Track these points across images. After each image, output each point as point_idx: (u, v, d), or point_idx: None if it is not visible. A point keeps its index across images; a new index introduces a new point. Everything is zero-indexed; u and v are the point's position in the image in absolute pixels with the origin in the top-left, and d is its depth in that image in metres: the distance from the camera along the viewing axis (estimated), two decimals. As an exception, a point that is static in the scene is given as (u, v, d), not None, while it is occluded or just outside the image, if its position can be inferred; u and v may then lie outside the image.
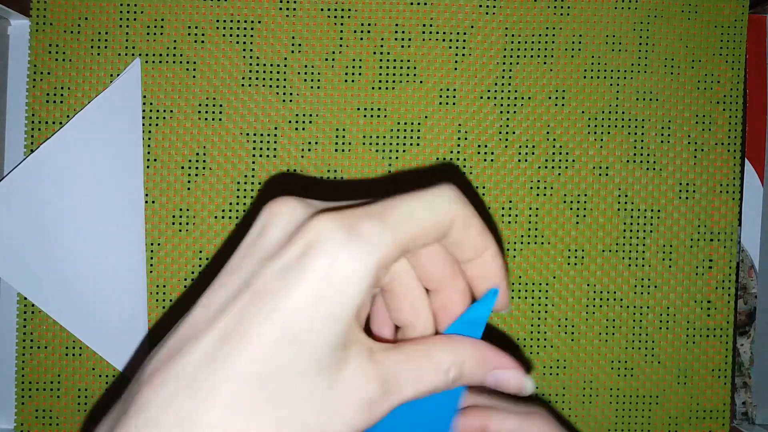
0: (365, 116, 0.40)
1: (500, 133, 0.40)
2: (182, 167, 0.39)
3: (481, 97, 0.40)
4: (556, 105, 0.40)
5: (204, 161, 0.39)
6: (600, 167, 0.40)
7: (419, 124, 0.40)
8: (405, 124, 0.40)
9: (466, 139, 0.40)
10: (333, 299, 0.17)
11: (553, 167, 0.40)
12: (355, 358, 0.18)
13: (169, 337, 0.18)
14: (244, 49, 0.39)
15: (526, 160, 0.40)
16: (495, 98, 0.40)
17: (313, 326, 0.17)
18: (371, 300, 0.22)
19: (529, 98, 0.40)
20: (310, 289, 0.17)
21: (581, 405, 0.40)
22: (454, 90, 0.40)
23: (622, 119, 0.40)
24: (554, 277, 0.40)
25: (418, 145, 0.40)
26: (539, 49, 0.40)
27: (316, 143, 0.40)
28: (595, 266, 0.40)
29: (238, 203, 0.39)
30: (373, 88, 0.40)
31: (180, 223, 0.39)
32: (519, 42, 0.40)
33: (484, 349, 0.21)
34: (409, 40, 0.40)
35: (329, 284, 0.17)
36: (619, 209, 0.40)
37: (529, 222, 0.40)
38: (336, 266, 0.17)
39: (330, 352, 0.17)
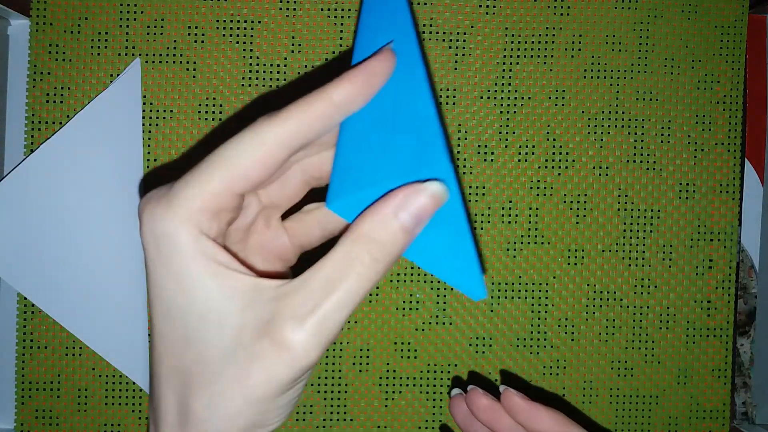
0: (365, 116, 0.40)
1: (500, 133, 0.40)
2: (182, 167, 0.39)
3: (481, 97, 0.40)
4: (556, 105, 0.40)
5: (204, 161, 0.39)
6: (600, 167, 0.40)
7: (419, 124, 0.40)
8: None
9: (466, 139, 0.40)
10: (170, 264, 0.19)
11: (553, 167, 0.40)
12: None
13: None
14: (244, 49, 0.39)
15: (526, 160, 0.40)
16: (495, 98, 0.40)
17: (177, 301, 0.19)
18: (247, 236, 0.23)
19: (529, 98, 0.40)
20: (150, 267, 0.20)
21: (581, 405, 0.40)
22: (454, 90, 0.40)
23: (622, 119, 0.40)
24: (554, 277, 0.40)
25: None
26: (539, 49, 0.40)
27: (316, 143, 0.40)
28: (595, 266, 0.40)
29: (238, 203, 0.39)
30: (373, 88, 0.40)
31: (180, 223, 0.39)
32: (519, 42, 0.40)
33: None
34: (409, 40, 0.40)
35: (159, 253, 0.19)
36: (619, 209, 0.40)
37: (529, 222, 0.40)
38: (150, 234, 0.20)
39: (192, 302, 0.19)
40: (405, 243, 0.20)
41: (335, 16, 0.40)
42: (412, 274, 0.40)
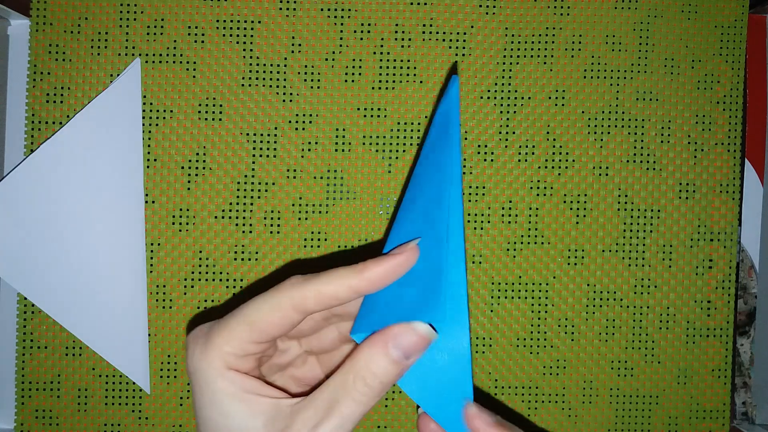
0: (365, 116, 0.40)
1: (500, 133, 0.40)
2: (182, 167, 0.39)
3: (481, 98, 0.40)
4: (556, 105, 0.40)
5: (204, 161, 0.39)
6: (600, 167, 0.40)
7: (419, 124, 0.40)
8: (405, 124, 0.40)
9: (466, 139, 0.40)
10: (205, 393, 0.24)
11: (553, 167, 0.40)
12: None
13: None
14: (244, 49, 0.39)
15: (526, 160, 0.40)
16: (495, 98, 0.40)
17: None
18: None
19: (529, 98, 0.40)
20: (193, 393, 0.25)
21: (581, 405, 0.40)
22: (454, 90, 0.40)
23: (622, 119, 0.40)
24: (554, 277, 0.40)
25: (418, 145, 0.40)
26: (539, 49, 0.40)
27: (316, 143, 0.40)
28: (595, 266, 0.40)
29: (238, 203, 0.39)
30: (373, 88, 0.40)
31: (180, 223, 0.39)
32: (519, 42, 0.40)
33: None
34: (409, 40, 0.40)
35: (197, 384, 0.25)
36: (619, 209, 0.40)
37: (529, 222, 0.40)
38: (192, 369, 0.25)
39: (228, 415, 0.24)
40: (395, 373, 0.24)
41: (335, 16, 0.40)
42: (412, 274, 0.40)
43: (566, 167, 0.40)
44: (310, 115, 0.40)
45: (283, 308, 0.24)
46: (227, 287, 0.40)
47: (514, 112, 0.40)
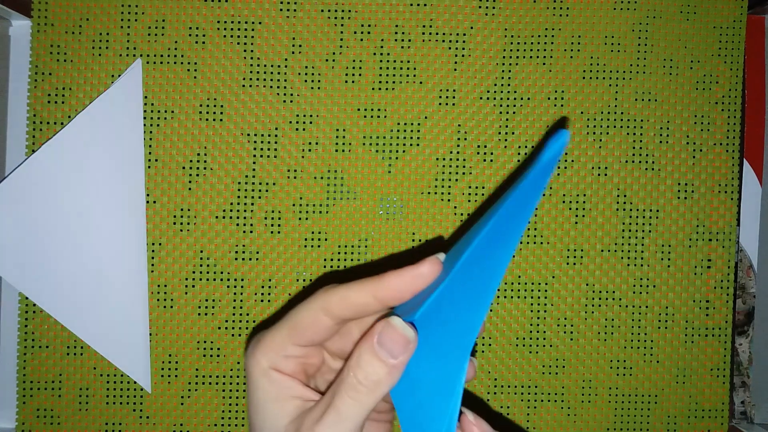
0: (365, 116, 0.40)
1: (500, 133, 0.40)
2: (183, 167, 0.39)
3: (481, 98, 0.40)
4: (555, 105, 0.40)
5: (205, 161, 0.39)
6: (599, 167, 0.40)
7: (419, 124, 0.40)
8: (405, 124, 0.40)
9: (466, 139, 0.40)
10: (249, 388, 0.27)
11: (552, 167, 0.40)
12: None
13: None
14: (244, 50, 0.39)
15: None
16: (495, 98, 0.40)
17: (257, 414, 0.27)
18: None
19: (529, 99, 0.40)
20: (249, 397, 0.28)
21: (580, 404, 0.40)
22: (454, 90, 0.40)
23: (622, 120, 0.40)
24: (554, 277, 0.40)
25: (418, 145, 0.40)
26: (539, 49, 0.40)
27: (317, 143, 0.40)
28: (594, 266, 0.40)
29: (239, 203, 0.40)
30: (373, 88, 0.40)
31: (181, 223, 0.39)
32: (519, 42, 0.40)
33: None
34: (409, 40, 0.40)
35: (248, 381, 0.27)
36: (618, 209, 0.40)
37: (529, 222, 0.40)
38: (245, 368, 0.28)
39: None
40: (384, 370, 0.25)
41: (335, 17, 0.40)
42: (412, 274, 0.40)
43: (565, 167, 0.40)
44: (311, 115, 0.40)
45: (314, 311, 0.26)
46: (228, 287, 0.40)
47: (513, 112, 0.40)
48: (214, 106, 0.39)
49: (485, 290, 0.24)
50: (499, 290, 0.40)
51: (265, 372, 0.27)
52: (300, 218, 0.40)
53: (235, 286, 0.40)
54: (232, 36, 0.39)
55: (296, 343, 0.27)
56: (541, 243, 0.40)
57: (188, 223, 0.39)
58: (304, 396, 0.27)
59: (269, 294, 0.40)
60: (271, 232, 0.40)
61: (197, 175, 0.40)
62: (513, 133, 0.40)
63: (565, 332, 0.40)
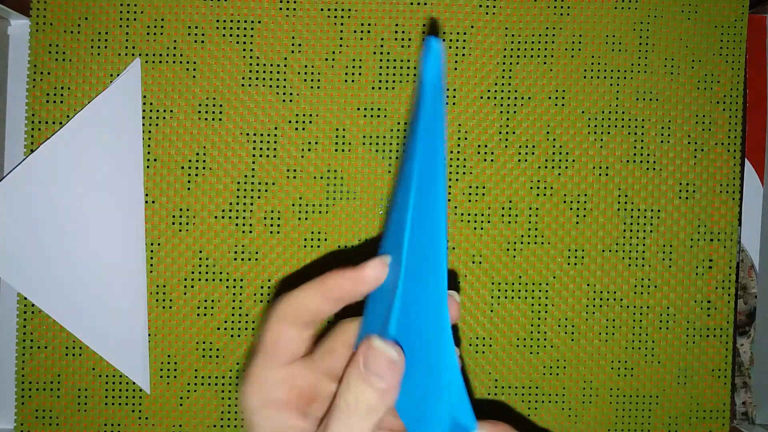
0: (365, 116, 0.40)
1: (500, 133, 0.40)
2: (182, 167, 0.39)
3: (481, 97, 0.40)
4: (556, 105, 0.40)
5: (204, 161, 0.39)
6: (600, 167, 0.40)
7: (419, 124, 0.40)
8: (405, 124, 0.40)
9: (466, 139, 0.40)
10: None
11: (553, 167, 0.40)
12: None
13: None
14: (244, 49, 0.39)
15: (526, 160, 0.40)
16: (495, 98, 0.40)
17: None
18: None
19: (529, 98, 0.40)
20: None
21: (581, 405, 0.40)
22: (454, 90, 0.40)
23: (622, 119, 0.40)
24: (554, 277, 0.40)
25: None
26: (539, 49, 0.40)
27: (316, 143, 0.40)
28: (595, 266, 0.40)
29: (238, 203, 0.39)
30: (373, 88, 0.40)
31: (180, 223, 0.39)
32: (519, 42, 0.40)
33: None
34: (409, 40, 0.40)
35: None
36: (619, 209, 0.40)
37: (529, 222, 0.40)
38: (241, 407, 0.27)
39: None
40: (374, 396, 0.24)
41: (335, 16, 0.40)
42: (412, 274, 0.40)
43: (566, 167, 0.40)
44: (310, 115, 0.40)
45: (273, 324, 0.26)
46: (227, 287, 0.40)
47: (514, 112, 0.40)
48: (214, 105, 0.39)
49: (437, 256, 0.23)
50: (499, 290, 0.40)
51: (257, 411, 0.26)
52: (300, 218, 0.40)
53: (234, 287, 0.40)
54: (231, 35, 0.39)
55: (274, 365, 0.26)
56: (542, 243, 0.40)
57: (187, 223, 0.39)
58: (299, 427, 0.26)
59: (268, 294, 0.40)
60: (271, 232, 0.40)
61: (196, 174, 0.39)
62: (513, 133, 0.40)
63: (565, 332, 0.40)
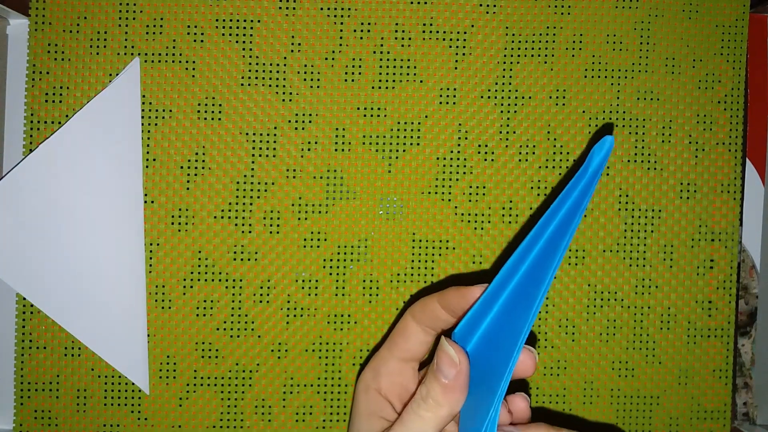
0: (365, 116, 0.40)
1: (500, 133, 0.40)
2: (181, 167, 0.39)
3: (481, 97, 0.40)
4: (556, 105, 0.40)
5: (203, 161, 0.39)
6: (600, 167, 0.40)
7: (419, 124, 0.40)
8: (405, 124, 0.40)
9: (466, 139, 0.40)
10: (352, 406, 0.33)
11: (553, 167, 0.40)
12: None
13: None
14: (243, 49, 0.39)
15: (526, 160, 0.40)
16: (495, 98, 0.40)
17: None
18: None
19: (530, 98, 0.40)
20: None
21: (582, 405, 0.40)
22: (454, 90, 0.40)
23: (623, 119, 0.40)
24: (555, 278, 0.40)
25: (418, 145, 0.40)
26: (539, 48, 0.40)
27: (316, 143, 0.40)
28: (595, 266, 0.40)
29: (237, 203, 0.39)
30: (373, 87, 0.40)
31: (179, 223, 0.39)
32: (519, 42, 0.40)
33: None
34: (409, 39, 0.40)
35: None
36: (619, 209, 0.40)
37: (529, 222, 0.40)
38: (356, 381, 0.33)
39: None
40: (440, 390, 0.27)
41: (335, 16, 0.40)
42: (412, 274, 0.40)
43: (566, 167, 0.40)
44: (310, 114, 0.40)
45: (404, 319, 0.31)
46: (227, 287, 0.39)
47: (515, 112, 0.40)
48: (213, 105, 0.39)
49: (530, 310, 0.26)
50: (499, 291, 0.40)
51: (366, 388, 0.31)
52: (299, 218, 0.40)
53: (233, 287, 0.39)
54: (230, 34, 0.39)
55: (395, 354, 0.30)
56: (542, 243, 0.40)
57: (186, 223, 0.39)
58: (390, 418, 0.30)
59: (268, 294, 0.40)
60: (270, 232, 0.40)
61: (195, 174, 0.39)
62: (514, 133, 0.40)
63: (566, 333, 0.40)
